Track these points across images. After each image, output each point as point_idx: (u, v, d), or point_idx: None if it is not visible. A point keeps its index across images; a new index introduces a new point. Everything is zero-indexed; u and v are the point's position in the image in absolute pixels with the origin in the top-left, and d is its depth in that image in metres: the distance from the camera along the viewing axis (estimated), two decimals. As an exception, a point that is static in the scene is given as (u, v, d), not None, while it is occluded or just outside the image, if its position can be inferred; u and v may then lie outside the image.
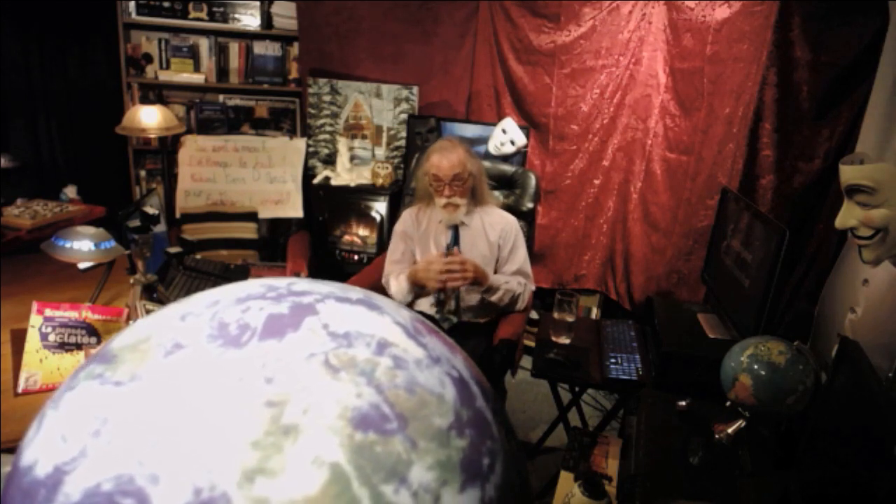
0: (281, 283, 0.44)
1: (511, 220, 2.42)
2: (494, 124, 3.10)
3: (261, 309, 0.40)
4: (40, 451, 0.34)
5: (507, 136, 3.01)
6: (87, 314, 1.75)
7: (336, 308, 0.42)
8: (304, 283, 0.44)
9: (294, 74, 3.55)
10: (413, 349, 0.42)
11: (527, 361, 2.51)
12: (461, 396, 0.40)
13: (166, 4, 3.32)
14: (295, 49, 3.49)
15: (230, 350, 0.36)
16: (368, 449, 0.34)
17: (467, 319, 2.37)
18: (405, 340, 0.42)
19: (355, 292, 0.45)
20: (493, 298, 2.31)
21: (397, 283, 2.35)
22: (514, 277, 2.37)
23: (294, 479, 0.32)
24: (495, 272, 2.38)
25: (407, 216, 2.48)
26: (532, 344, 2.50)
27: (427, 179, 2.33)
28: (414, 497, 0.34)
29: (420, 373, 0.40)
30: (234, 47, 3.49)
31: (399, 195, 3.07)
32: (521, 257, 2.40)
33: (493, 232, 2.38)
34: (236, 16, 3.42)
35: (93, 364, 0.37)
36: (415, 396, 0.38)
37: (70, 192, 3.14)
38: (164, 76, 3.40)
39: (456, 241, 2.37)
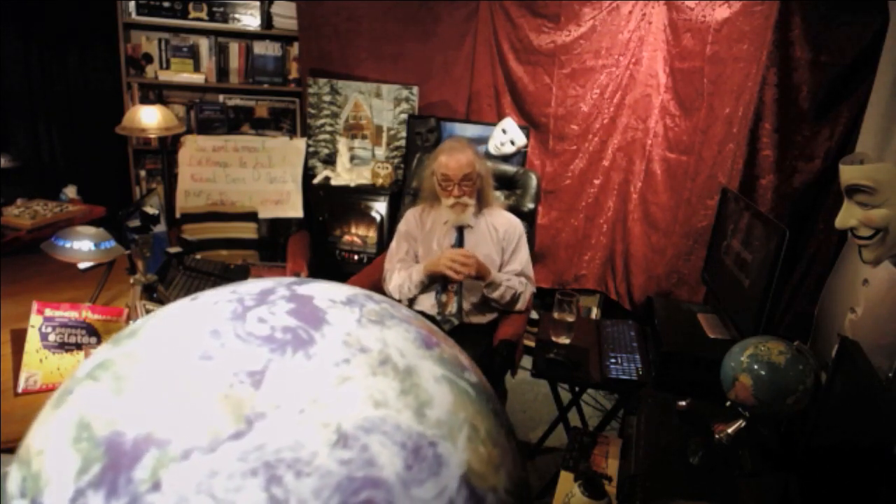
0: (224, 293, 0.48)
1: (515, 221, 2.43)
2: (494, 124, 3.10)
3: (272, 313, 0.44)
4: None
5: (507, 136, 3.01)
6: (87, 314, 1.76)
7: (312, 288, 0.48)
8: (246, 286, 0.49)
9: (294, 74, 3.55)
10: (380, 295, 0.52)
11: (527, 361, 2.50)
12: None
13: (166, 4, 3.32)
14: (295, 49, 3.49)
15: (310, 348, 0.41)
16: (441, 357, 0.45)
17: (468, 321, 2.37)
18: (370, 292, 0.52)
19: (291, 277, 0.52)
20: (495, 295, 2.31)
21: (406, 274, 2.33)
22: (517, 277, 2.37)
23: (439, 398, 0.41)
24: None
25: (410, 216, 2.47)
26: (532, 344, 2.50)
27: (435, 179, 2.32)
28: (475, 374, 0.47)
29: (402, 306, 0.51)
30: (234, 47, 3.49)
31: (399, 195, 3.06)
32: (523, 258, 2.41)
33: (498, 234, 2.38)
34: (236, 16, 3.42)
35: (171, 445, 0.37)
36: (420, 319, 0.50)
37: (70, 192, 3.14)
38: (164, 76, 3.40)
39: (460, 242, 2.36)
